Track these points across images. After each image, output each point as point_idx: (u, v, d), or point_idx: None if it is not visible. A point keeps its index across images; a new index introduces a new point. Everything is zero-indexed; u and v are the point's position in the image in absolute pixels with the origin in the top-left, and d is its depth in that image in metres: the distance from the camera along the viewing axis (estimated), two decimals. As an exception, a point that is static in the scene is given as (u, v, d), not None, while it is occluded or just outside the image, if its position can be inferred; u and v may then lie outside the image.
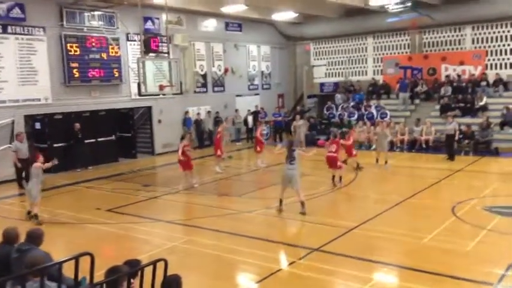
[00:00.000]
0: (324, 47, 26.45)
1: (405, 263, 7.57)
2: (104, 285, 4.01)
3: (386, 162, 15.66)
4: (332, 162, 13.10)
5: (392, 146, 19.21)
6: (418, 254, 7.92)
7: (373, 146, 19.51)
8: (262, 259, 7.94)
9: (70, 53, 16.92)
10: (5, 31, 15.41)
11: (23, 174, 14.01)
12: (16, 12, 15.49)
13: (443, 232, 8.91)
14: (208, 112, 22.52)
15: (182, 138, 14.39)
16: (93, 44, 17.63)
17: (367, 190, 13.20)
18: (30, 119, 16.78)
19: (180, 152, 13.53)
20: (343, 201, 11.93)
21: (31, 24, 16.00)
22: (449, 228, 9.17)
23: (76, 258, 3.80)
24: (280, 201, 10.69)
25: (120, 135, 19.39)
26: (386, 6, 19.99)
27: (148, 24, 19.35)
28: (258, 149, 16.96)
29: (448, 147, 17.12)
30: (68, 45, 16.88)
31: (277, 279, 7.28)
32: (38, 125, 17.11)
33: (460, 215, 9.96)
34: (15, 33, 15.69)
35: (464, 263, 7.53)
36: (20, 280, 3.76)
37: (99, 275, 4.19)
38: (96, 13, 17.44)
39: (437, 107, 20.92)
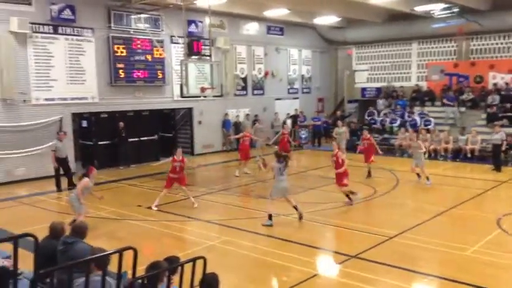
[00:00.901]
0: (366, 52, 26.13)
1: (447, 274, 7.36)
2: (145, 279, 4.10)
3: (427, 178, 14.00)
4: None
5: (435, 155, 18.80)
6: (461, 266, 7.68)
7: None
8: (298, 263, 7.90)
9: (116, 54, 17.43)
10: (55, 32, 16.03)
11: (61, 172, 14.12)
12: (67, 13, 16.08)
13: (487, 244, 8.61)
14: (247, 115, 22.66)
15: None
16: (139, 45, 18.09)
17: (408, 199, 12.91)
18: (77, 117, 17.40)
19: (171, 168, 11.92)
20: (382, 209, 11.70)
21: (80, 26, 16.59)
22: (494, 241, 8.85)
23: (120, 252, 3.90)
24: (295, 207, 10.29)
25: (161, 135, 19.81)
26: (432, 12, 19.54)
27: (192, 27, 19.67)
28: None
29: (494, 157, 16.53)
30: (115, 46, 17.38)
31: (314, 284, 7.23)
32: (84, 123, 17.74)
33: (505, 228, 9.59)
34: (65, 34, 16.28)
35: (508, 277, 7.25)
36: (67, 271, 3.90)
37: (139, 270, 4.28)
38: (142, 16, 17.89)
39: (484, 115, 20.25)
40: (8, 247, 5.74)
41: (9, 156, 14.98)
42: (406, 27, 22.89)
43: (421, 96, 23.05)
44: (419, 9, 19.43)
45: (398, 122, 21.76)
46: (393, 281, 7.13)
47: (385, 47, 25.22)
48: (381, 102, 23.90)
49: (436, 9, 19.16)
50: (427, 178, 13.99)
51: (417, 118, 21.29)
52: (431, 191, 13.79)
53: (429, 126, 20.38)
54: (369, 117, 23.21)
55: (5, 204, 12.65)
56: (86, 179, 9.84)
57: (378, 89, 25.10)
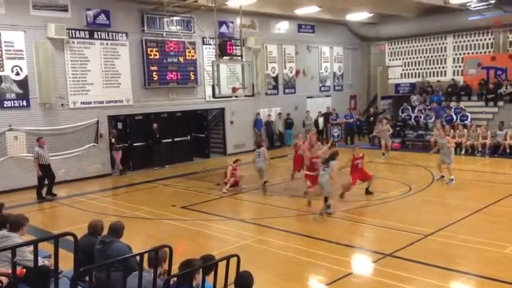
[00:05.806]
0: (399, 47, 25.69)
1: (485, 272, 7.17)
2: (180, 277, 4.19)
3: (451, 179, 13.36)
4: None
5: (473, 151, 18.33)
6: (500, 264, 7.47)
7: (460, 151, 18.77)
8: (332, 262, 7.87)
9: (150, 57, 17.74)
10: (91, 37, 16.46)
11: (46, 181, 13.58)
12: (102, 18, 16.48)
13: (529, 243, 8.34)
14: (279, 114, 22.67)
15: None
16: (172, 48, 18.36)
17: (444, 196, 12.62)
18: (113, 119, 17.83)
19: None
20: (418, 206, 11.49)
21: (115, 30, 16.97)
22: (536, 239, 8.57)
23: (156, 250, 4.01)
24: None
25: (194, 136, 20.07)
26: (468, 4, 19.01)
27: (223, 28, 19.83)
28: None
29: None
30: (148, 49, 17.70)
31: (348, 283, 7.19)
32: (120, 125, 18.17)
33: (548, 226, 9.28)
34: (101, 39, 16.70)
35: (552, 276, 7.00)
36: (106, 269, 4.03)
37: (174, 269, 4.38)
38: (174, 18, 18.15)
39: (524, 109, 19.58)
40: (47, 247, 5.98)
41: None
42: (440, 21, 22.37)
43: (457, 91, 22.49)
44: (454, 1, 18.94)
45: (433, 118, 21.29)
46: (429, 279, 7.00)
47: (419, 41, 24.73)
48: (414, 98, 23.45)
49: (472, 1, 18.63)
50: (451, 179, 13.34)
51: (453, 114, 20.78)
52: (468, 187, 13.44)
53: (466, 122, 19.87)
54: (403, 114, 22.81)
55: (45, 205, 13.13)
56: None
57: (412, 85, 24.65)
